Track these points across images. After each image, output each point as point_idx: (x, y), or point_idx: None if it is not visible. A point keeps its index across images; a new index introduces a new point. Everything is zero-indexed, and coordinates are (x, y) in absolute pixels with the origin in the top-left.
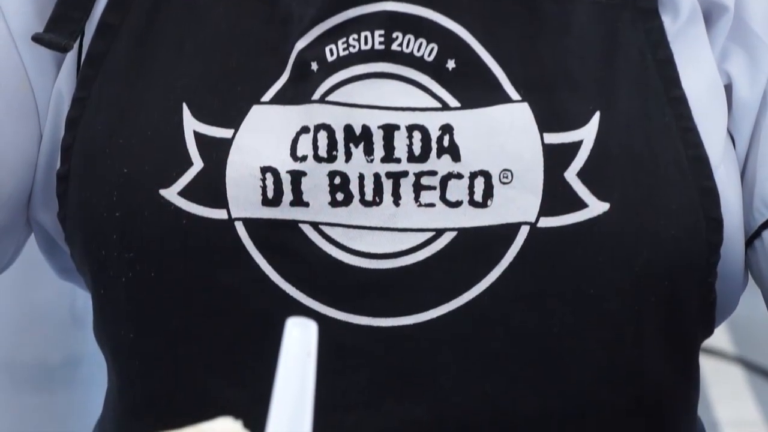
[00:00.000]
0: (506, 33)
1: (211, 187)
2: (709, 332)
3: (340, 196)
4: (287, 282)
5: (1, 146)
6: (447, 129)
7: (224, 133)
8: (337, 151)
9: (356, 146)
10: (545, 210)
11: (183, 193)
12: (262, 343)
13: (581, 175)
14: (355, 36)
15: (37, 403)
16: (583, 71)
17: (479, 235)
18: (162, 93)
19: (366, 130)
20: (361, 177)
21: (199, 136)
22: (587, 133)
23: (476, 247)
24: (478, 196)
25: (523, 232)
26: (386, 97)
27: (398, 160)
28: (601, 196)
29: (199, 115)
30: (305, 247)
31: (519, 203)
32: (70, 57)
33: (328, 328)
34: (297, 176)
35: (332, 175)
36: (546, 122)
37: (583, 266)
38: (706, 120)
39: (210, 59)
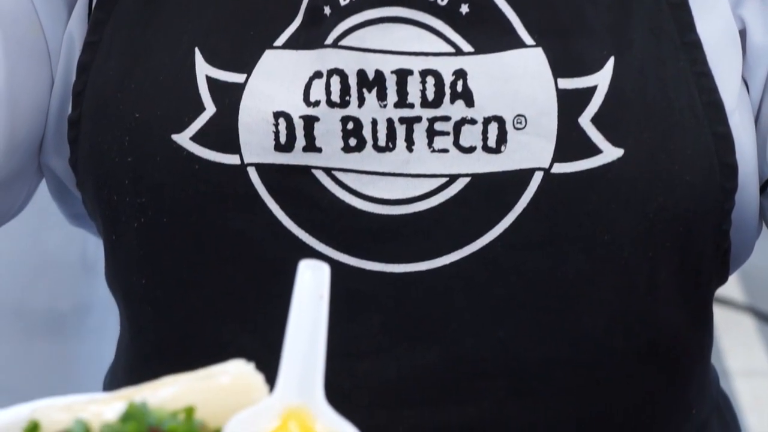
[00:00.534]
0: None
1: (223, 132)
2: (723, 280)
3: (353, 142)
4: (300, 228)
5: (13, 91)
6: (460, 74)
7: (237, 77)
8: (350, 96)
9: (369, 91)
10: (559, 156)
11: (195, 138)
12: (275, 289)
13: (595, 120)
14: None
15: (48, 349)
16: (597, 16)
17: (492, 180)
18: (174, 37)
19: (379, 75)
20: (374, 122)
21: (211, 81)
22: (601, 79)
23: (489, 193)
24: (491, 142)
25: (537, 178)
26: (399, 42)
27: (411, 106)
28: (615, 142)
29: (211, 60)
30: (318, 192)
31: (533, 149)
32: (82, 1)
33: (340, 274)
34: (310, 121)
35: (345, 120)
36: (560, 67)
37: (597, 212)
38: (720, 65)
39: (222, 3)
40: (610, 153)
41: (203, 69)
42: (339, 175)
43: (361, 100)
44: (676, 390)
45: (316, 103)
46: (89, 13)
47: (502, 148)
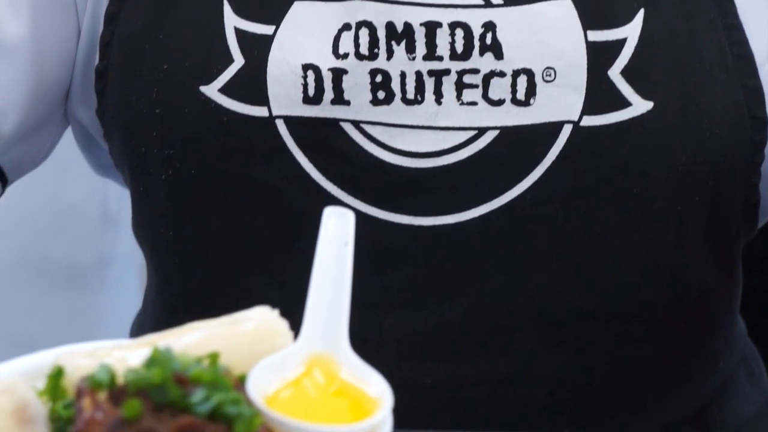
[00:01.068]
0: None
1: (251, 84)
2: (751, 232)
3: (381, 95)
4: (328, 180)
5: (40, 40)
6: (490, 26)
7: (265, 29)
8: (378, 48)
9: (398, 44)
10: (588, 108)
11: (223, 90)
12: (302, 241)
13: (625, 73)
14: None
15: (69, 302)
16: None
17: (521, 133)
18: None
19: (408, 27)
20: (403, 75)
21: (239, 33)
22: (631, 31)
23: (518, 145)
24: (520, 95)
25: (566, 131)
26: None
27: (440, 58)
28: (644, 95)
29: (239, 11)
30: (346, 145)
31: (562, 101)
32: None
33: (369, 227)
34: (338, 74)
35: (374, 73)
36: (590, 19)
37: (626, 165)
38: (751, 17)
39: None
40: (639, 106)
41: (232, 20)
42: (367, 128)
43: (390, 53)
44: (703, 342)
45: (345, 56)
46: None
47: (531, 100)
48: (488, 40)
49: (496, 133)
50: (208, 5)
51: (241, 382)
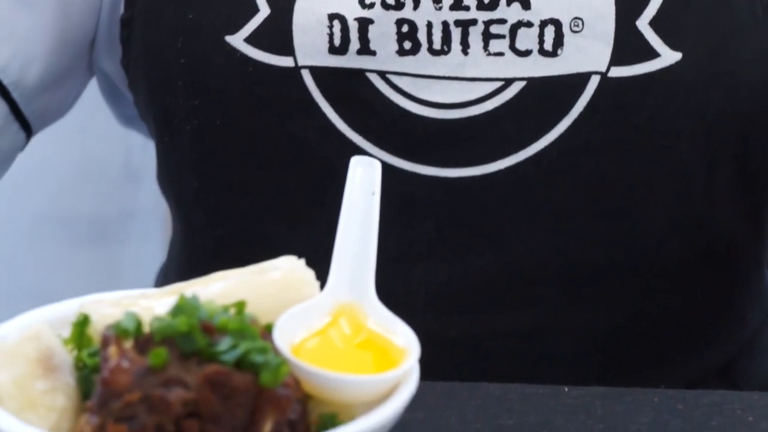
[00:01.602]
0: None
1: (277, 33)
2: None
3: (407, 45)
4: (354, 131)
5: None
6: None
7: None
8: None
9: None
10: (616, 59)
11: (249, 40)
12: (328, 192)
13: (653, 23)
14: None
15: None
16: None
17: (549, 84)
18: None
19: None
20: (429, 25)
21: None
22: None
23: (545, 97)
24: (548, 45)
25: (594, 82)
26: None
27: (467, 8)
28: (673, 45)
29: None
30: (372, 96)
31: (590, 52)
32: None
33: (394, 179)
34: (364, 24)
35: (400, 23)
36: None
37: (655, 117)
38: None
39: None
40: (668, 56)
41: None
42: (393, 78)
43: (416, 3)
44: (730, 297)
45: (371, 5)
46: None
47: (559, 51)
48: None
49: (522, 84)
50: None
51: (267, 331)
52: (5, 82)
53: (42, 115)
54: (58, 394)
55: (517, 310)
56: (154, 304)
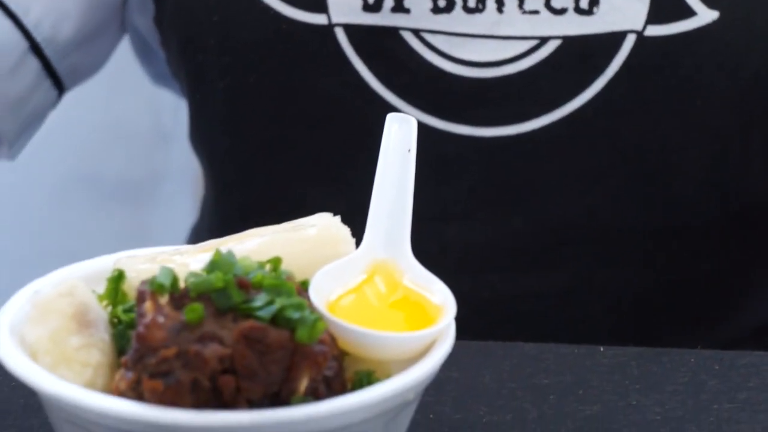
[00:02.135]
0: None
1: None
2: None
3: (442, 3)
4: (387, 89)
5: None
6: None
7: None
8: None
9: None
10: (653, 18)
11: None
12: (361, 151)
13: None
14: None
15: (123, 217)
16: None
17: (584, 43)
18: None
19: None
20: None
21: None
22: None
23: (581, 56)
24: (584, 3)
25: (630, 41)
26: None
27: None
28: (710, 4)
29: None
30: (406, 54)
31: (626, 11)
32: None
33: (428, 138)
34: None
35: None
36: None
37: (691, 77)
38: None
39: None
40: (704, 15)
41: None
42: (427, 36)
43: None
44: (765, 257)
45: None
46: None
47: (595, 9)
48: None
49: (558, 42)
50: None
51: (303, 288)
52: (38, 38)
53: (74, 72)
54: (93, 350)
55: (550, 270)
56: (189, 260)
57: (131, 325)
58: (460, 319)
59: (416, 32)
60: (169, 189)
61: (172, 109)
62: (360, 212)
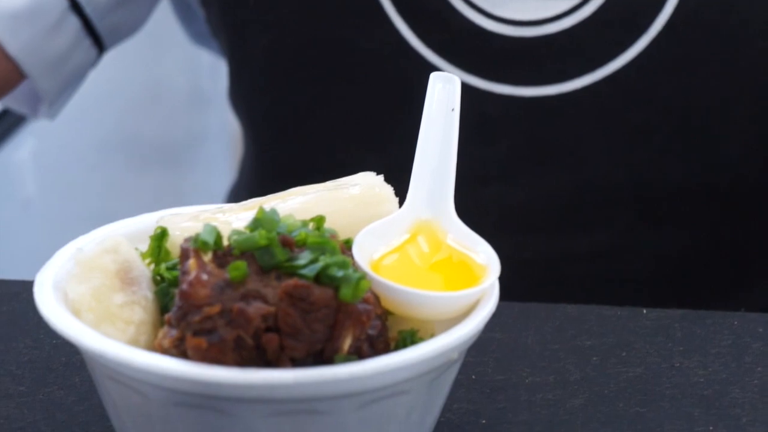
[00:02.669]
0: None
1: None
2: None
3: None
4: (428, 48)
5: None
6: None
7: None
8: None
9: None
10: None
11: None
12: (400, 110)
13: None
14: None
15: (160, 179)
16: None
17: (627, 2)
18: None
19: None
20: None
21: None
22: None
23: (624, 14)
24: None
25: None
26: None
27: None
28: None
29: None
30: (447, 12)
31: None
32: None
33: (469, 97)
34: None
35: None
36: None
37: (735, 35)
38: None
39: None
40: None
41: None
42: None
43: None
44: None
45: None
46: None
47: None
48: None
49: (601, 1)
50: None
51: (346, 246)
52: None
53: (114, 31)
54: (136, 308)
55: (591, 230)
56: (232, 219)
57: (174, 282)
58: (501, 281)
59: None
60: (206, 151)
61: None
62: (399, 172)
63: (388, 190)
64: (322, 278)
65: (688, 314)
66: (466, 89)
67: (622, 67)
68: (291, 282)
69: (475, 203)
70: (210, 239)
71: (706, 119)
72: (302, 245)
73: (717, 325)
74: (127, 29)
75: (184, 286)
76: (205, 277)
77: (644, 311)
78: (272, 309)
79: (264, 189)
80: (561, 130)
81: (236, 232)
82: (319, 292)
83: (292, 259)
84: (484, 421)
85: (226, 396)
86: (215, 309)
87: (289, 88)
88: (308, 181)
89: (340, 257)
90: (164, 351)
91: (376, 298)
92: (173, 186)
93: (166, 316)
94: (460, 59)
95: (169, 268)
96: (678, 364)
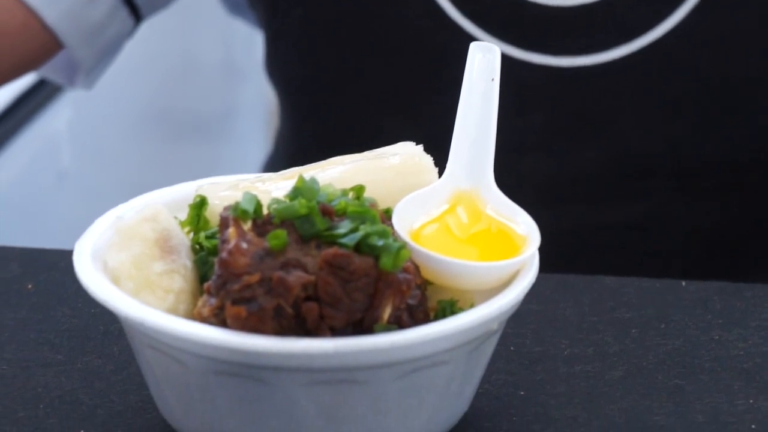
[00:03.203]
0: None
1: None
2: None
3: None
4: (465, 17)
5: None
6: None
7: None
8: None
9: None
10: None
11: None
12: (438, 81)
13: None
14: None
15: (193, 151)
16: None
17: None
18: None
19: None
20: None
21: None
22: None
23: None
24: None
25: None
26: None
27: None
28: None
29: None
30: None
31: None
32: None
33: (505, 67)
34: None
35: None
36: None
37: None
38: None
39: None
40: None
41: None
42: None
43: None
44: None
45: None
46: None
47: None
48: None
49: None
50: None
51: (386, 216)
52: None
53: (150, 1)
54: (176, 276)
55: (628, 202)
56: (272, 187)
57: (213, 251)
58: (539, 251)
59: None
60: (241, 123)
61: (245, 45)
62: (435, 141)
63: (428, 159)
64: (362, 247)
65: (727, 287)
66: (503, 59)
67: (659, 38)
68: (331, 251)
69: (511, 174)
70: (250, 208)
71: (743, 92)
72: (342, 214)
73: (757, 298)
74: (163, 0)
75: (224, 255)
76: (244, 245)
77: (683, 283)
78: (312, 278)
79: (301, 160)
80: (598, 100)
81: (276, 200)
82: (359, 261)
83: (332, 228)
84: (522, 393)
85: (265, 365)
86: (255, 278)
87: (326, 59)
88: (345, 151)
89: (380, 226)
90: (203, 320)
91: (416, 267)
92: (208, 158)
93: (206, 285)
94: (496, 29)
95: (208, 237)
96: (717, 337)
